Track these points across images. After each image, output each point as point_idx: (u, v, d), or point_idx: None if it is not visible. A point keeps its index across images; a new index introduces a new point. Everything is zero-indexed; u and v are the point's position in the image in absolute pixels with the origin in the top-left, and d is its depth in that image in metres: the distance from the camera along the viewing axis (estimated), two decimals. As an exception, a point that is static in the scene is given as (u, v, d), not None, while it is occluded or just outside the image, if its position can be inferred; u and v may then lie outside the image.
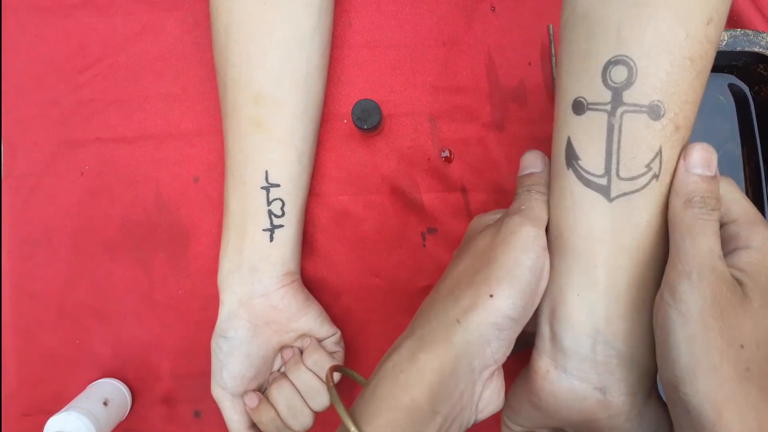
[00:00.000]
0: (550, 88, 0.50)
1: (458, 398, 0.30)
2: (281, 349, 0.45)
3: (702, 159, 0.30)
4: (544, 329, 0.33)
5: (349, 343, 0.50)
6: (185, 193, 0.51)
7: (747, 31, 0.42)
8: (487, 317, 0.30)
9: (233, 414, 0.44)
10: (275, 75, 0.42)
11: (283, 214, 0.43)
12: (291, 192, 0.44)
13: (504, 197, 0.50)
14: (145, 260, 0.51)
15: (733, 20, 0.49)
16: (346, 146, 0.51)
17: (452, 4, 0.51)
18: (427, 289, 0.50)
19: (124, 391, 0.50)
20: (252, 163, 0.43)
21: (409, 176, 0.50)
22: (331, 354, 0.45)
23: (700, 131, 0.47)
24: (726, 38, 0.42)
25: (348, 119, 0.50)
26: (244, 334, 0.43)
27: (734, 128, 0.47)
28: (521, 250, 0.31)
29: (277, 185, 0.43)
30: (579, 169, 0.31)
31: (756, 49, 0.42)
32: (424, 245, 0.50)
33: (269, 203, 0.43)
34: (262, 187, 0.43)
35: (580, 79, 0.31)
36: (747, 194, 0.47)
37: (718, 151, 0.46)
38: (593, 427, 0.33)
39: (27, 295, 0.51)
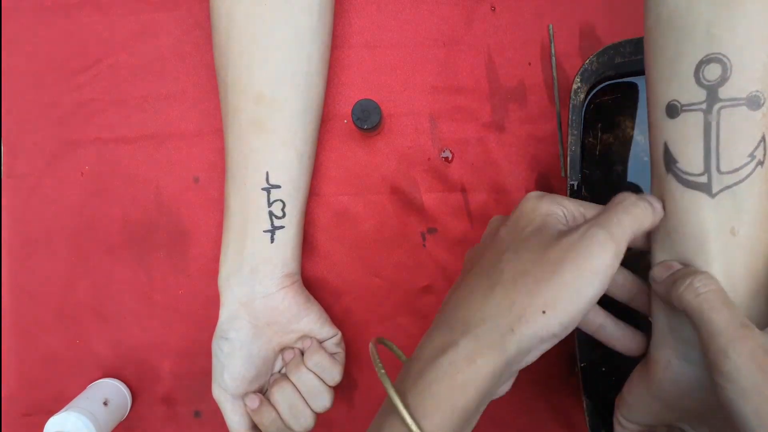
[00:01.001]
0: (551, 88, 0.50)
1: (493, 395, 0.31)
2: (282, 350, 0.45)
3: (662, 269, 0.32)
4: (661, 321, 0.33)
5: (349, 343, 0.50)
6: (185, 193, 0.51)
7: (747, 31, 0.42)
8: (536, 331, 0.30)
9: (234, 415, 0.44)
10: (276, 75, 0.42)
11: (283, 215, 0.43)
12: (292, 193, 0.44)
13: (504, 197, 0.50)
14: (145, 260, 0.51)
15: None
16: (346, 146, 0.51)
17: (452, 4, 0.51)
18: (427, 289, 0.50)
19: (124, 391, 0.50)
20: (253, 164, 0.43)
21: (409, 176, 0.50)
22: (332, 355, 0.45)
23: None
24: (726, 38, 0.42)
25: (348, 119, 0.50)
26: (245, 335, 0.43)
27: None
28: (590, 278, 0.30)
29: (278, 186, 0.43)
30: (678, 171, 0.32)
31: (756, 49, 0.42)
32: (424, 245, 0.50)
33: (270, 204, 0.43)
34: (262, 189, 0.43)
35: (672, 83, 0.32)
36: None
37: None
38: (718, 415, 0.32)
39: (27, 295, 0.51)
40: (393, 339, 0.51)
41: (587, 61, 0.43)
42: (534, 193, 0.35)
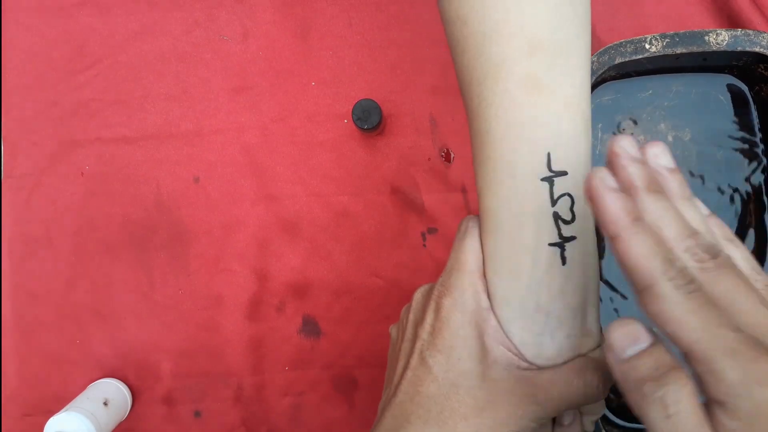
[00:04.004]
0: (550, 88, 0.50)
1: None
2: None
3: (627, 338, 0.23)
4: None
5: (349, 343, 0.50)
6: (185, 193, 0.51)
7: (747, 31, 0.42)
8: None
9: None
10: (554, 9, 0.29)
11: (572, 219, 0.29)
12: (581, 182, 0.28)
13: (504, 197, 0.50)
14: (145, 260, 0.51)
15: (733, 20, 0.49)
16: (346, 146, 0.51)
17: (452, 4, 0.51)
18: (427, 289, 0.50)
19: (124, 391, 0.50)
20: (527, 143, 0.29)
21: (409, 176, 0.50)
22: None
23: (700, 131, 0.47)
24: (726, 38, 0.42)
25: (348, 119, 0.50)
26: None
27: (734, 128, 0.47)
28: None
29: (564, 173, 0.29)
30: None
31: (756, 49, 0.42)
32: (424, 245, 0.50)
33: (554, 202, 0.29)
34: (543, 179, 0.29)
35: None
36: (747, 194, 0.47)
37: (717, 151, 0.47)
38: None
39: (27, 295, 0.51)
40: (393, 339, 0.51)
41: (587, 61, 0.42)
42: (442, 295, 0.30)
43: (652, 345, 0.22)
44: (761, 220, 0.46)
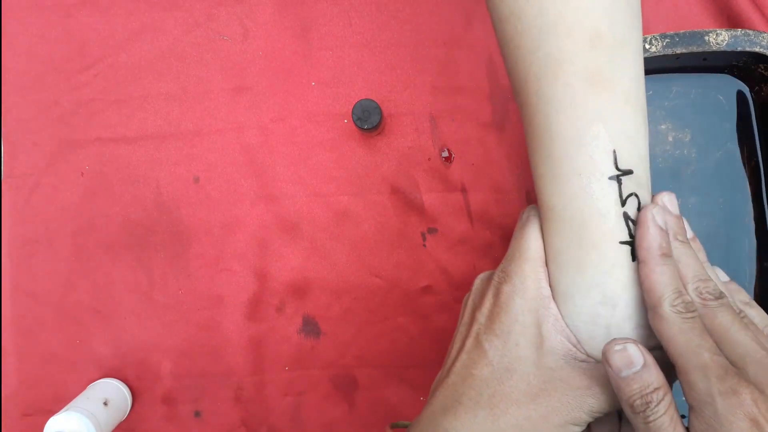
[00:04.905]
0: (550, 88, 0.50)
1: None
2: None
3: (623, 361, 0.26)
4: None
5: (349, 343, 0.50)
6: (185, 193, 0.51)
7: (747, 31, 0.42)
8: None
9: None
10: (612, 2, 0.29)
11: None
12: (644, 182, 0.30)
13: (504, 197, 0.50)
14: (145, 260, 0.51)
15: (733, 20, 0.49)
16: (346, 146, 0.51)
17: (452, 4, 0.51)
18: (427, 290, 0.50)
19: (124, 391, 0.50)
20: (593, 140, 0.29)
21: (409, 176, 0.50)
22: None
23: (700, 131, 0.47)
24: (726, 38, 0.42)
25: (348, 119, 0.50)
26: None
27: (734, 128, 0.47)
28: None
29: (630, 172, 0.29)
30: None
31: (756, 49, 0.42)
32: (424, 245, 0.50)
33: (624, 202, 0.29)
34: (611, 177, 0.29)
35: None
36: (747, 195, 0.47)
37: (717, 151, 0.47)
38: None
39: (27, 295, 0.51)
40: (393, 339, 0.51)
41: (587, 61, 0.42)
42: (502, 282, 0.31)
43: (643, 367, 0.26)
44: (761, 221, 0.46)
